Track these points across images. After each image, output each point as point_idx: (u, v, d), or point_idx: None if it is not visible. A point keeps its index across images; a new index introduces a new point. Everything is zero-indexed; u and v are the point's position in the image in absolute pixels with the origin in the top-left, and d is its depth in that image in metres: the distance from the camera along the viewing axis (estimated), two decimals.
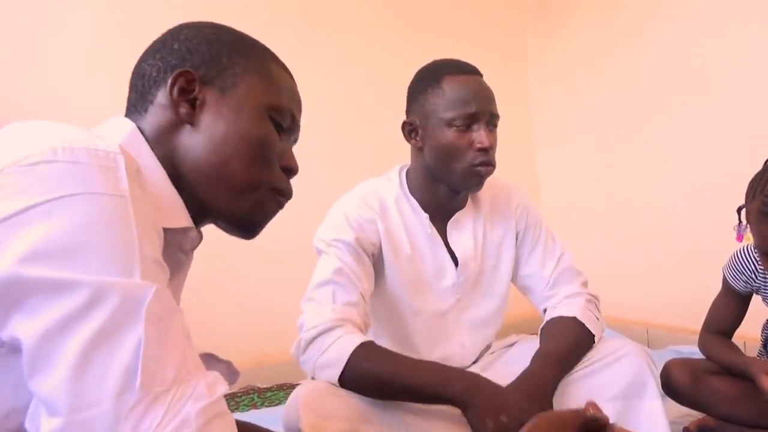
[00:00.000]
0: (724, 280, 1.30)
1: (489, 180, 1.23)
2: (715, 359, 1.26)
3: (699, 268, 1.74)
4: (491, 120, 1.14)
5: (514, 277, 1.30)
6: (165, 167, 0.59)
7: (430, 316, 1.22)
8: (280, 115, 0.65)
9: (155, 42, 0.66)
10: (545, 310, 1.24)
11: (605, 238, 2.51)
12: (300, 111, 0.70)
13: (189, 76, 0.61)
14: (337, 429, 0.93)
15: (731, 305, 1.29)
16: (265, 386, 2.01)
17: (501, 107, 1.18)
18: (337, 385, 0.97)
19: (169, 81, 0.61)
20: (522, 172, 2.80)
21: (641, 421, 1.04)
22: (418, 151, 1.20)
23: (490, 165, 1.13)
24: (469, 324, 1.26)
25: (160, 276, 0.48)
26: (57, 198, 0.44)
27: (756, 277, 1.21)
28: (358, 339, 0.98)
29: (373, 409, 0.97)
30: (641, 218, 2.35)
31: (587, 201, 2.60)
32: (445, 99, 1.12)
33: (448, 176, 1.15)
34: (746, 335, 1.40)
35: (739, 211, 1.12)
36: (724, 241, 1.29)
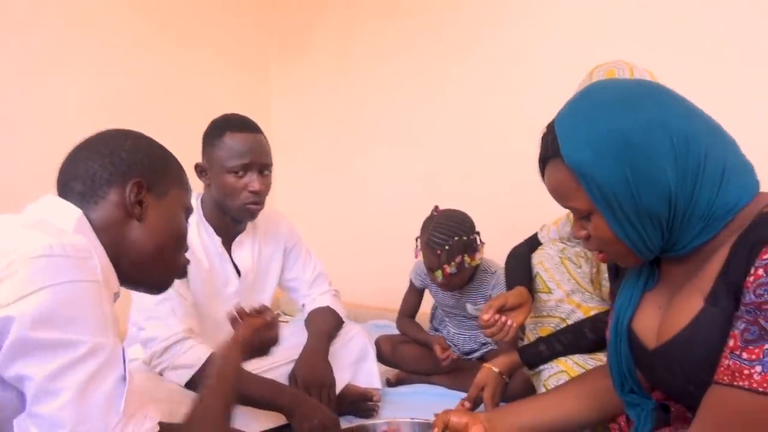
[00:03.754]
0: (410, 280, 1.95)
1: (265, 209, 1.57)
2: (407, 334, 1.89)
3: (394, 266, 2.36)
4: (263, 168, 1.46)
5: (281, 282, 1.71)
6: (106, 249, 0.79)
7: (217, 317, 1.55)
8: (189, 212, 0.93)
9: (97, 144, 0.84)
10: (304, 305, 1.71)
11: (328, 240, 3.02)
12: None
13: (140, 185, 0.83)
14: (160, 409, 1.22)
15: (415, 297, 1.95)
16: None
17: None
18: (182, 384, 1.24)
19: (128, 188, 0.82)
20: None
21: (365, 375, 1.60)
22: (207, 187, 1.50)
23: (259, 204, 1.46)
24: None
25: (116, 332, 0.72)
26: (56, 284, 0.65)
27: (426, 279, 1.88)
28: (208, 350, 1.28)
29: (190, 395, 1.25)
30: (356, 225, 2.92)
31: (316, 210, 3.06)
32: (226, 151, 1.41)
33: (228, 210, 1.47)
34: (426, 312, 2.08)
35: (416, 239, 1.73)
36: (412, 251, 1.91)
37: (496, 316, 1.22)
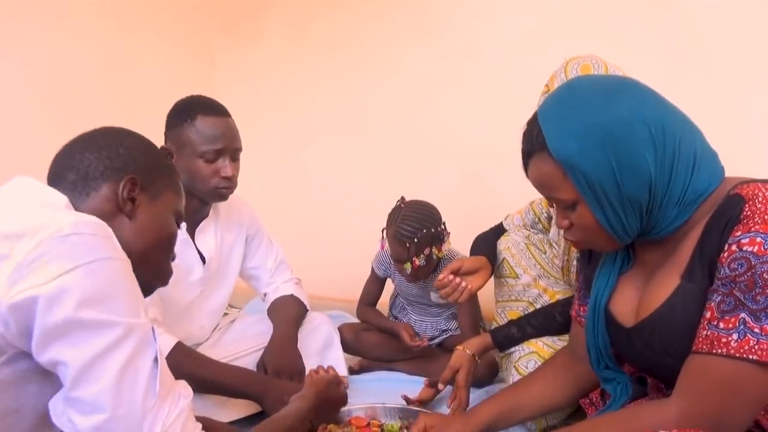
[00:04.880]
0: (372, 269, 1.96)
1: None
2: (370, 322, 1.90)
3: (346, 256, 2.34)
4: (234, 154, 1.45)
5: (242, 270, 1.69)
6: None
7: (180, 306, 1.51)
8: (180, 217, 0.91)
9: (95, 137, 0.83)
10: (266, 294, 1.68)
11: (279, 231, 2.98)
12: None
13: (135, 182, 0.81)
14: None
15: (376, 286, 1.96)
16: None
17: None
18: None
19: (122, 183, 0.80)
20: None
21: (331, 362, 1.59)
22: None
23: (231, 188, 1.45)
24: (208, 310, 1.61)
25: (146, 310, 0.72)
26: (89, 262, 0.64)
27: (390, 268, 1.90)
28: (173, 339, 1.25)
29: None
30: (307, 216, 2.87)
31: (264, 201, 2.96)
32: (198, 135, 1.38)
33: (198, 193, 1.44)
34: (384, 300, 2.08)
35: (383, 231, 1.73)
36: (370, 242, 1.88)
37: (450, 277, 1.26)
